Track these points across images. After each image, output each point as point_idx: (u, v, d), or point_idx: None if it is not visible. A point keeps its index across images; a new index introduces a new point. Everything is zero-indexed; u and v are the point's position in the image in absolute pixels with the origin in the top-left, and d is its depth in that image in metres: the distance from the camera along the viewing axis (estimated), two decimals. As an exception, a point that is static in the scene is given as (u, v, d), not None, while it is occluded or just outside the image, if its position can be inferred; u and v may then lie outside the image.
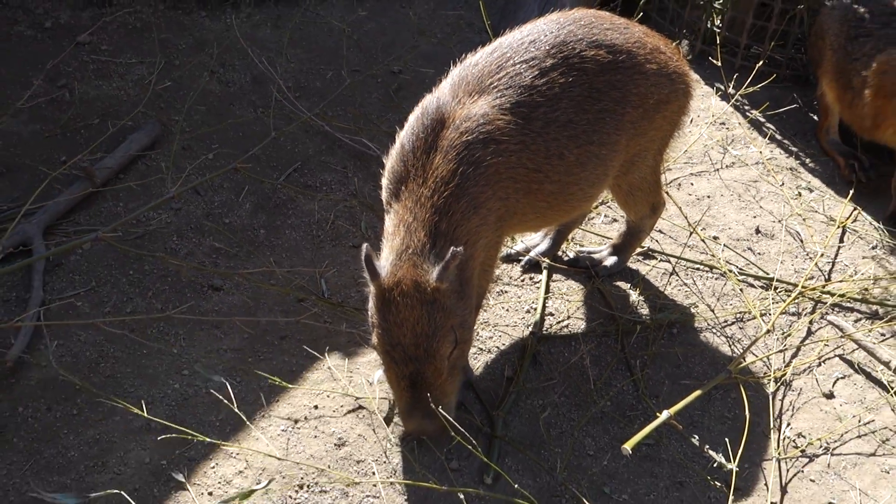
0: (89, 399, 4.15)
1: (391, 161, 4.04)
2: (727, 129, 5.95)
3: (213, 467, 3.96)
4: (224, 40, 6.05)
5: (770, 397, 4.51)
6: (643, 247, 5.12)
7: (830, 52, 5.70)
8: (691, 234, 5.22)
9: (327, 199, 5.17)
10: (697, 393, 4.31)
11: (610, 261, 4.98)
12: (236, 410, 4.02)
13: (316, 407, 4.24)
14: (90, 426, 4.07)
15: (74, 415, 4.10)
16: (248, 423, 4.06)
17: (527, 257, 4.98)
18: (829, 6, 5.84)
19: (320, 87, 5.84)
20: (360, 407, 4.26)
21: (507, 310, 4.78)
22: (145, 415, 3.96)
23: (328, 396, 4.27)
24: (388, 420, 4.19)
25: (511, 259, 5.03)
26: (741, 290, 4.95)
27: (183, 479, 3.86)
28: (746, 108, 6.07)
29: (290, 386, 4.24)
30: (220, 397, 4.11)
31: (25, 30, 5.88)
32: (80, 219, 4.90)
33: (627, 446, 3.86)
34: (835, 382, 4.62)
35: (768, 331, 4.70)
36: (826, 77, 5.77)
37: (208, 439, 3.93)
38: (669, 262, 5.08)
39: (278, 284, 4.68)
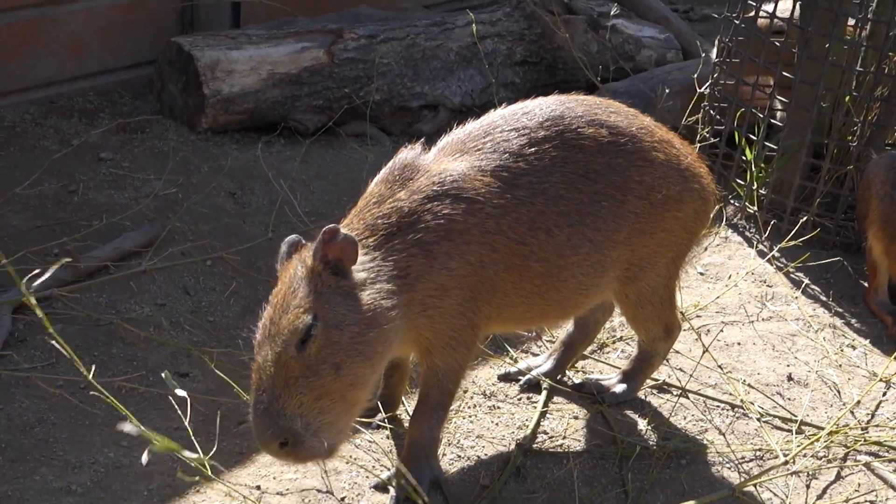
0: (13, 458, 3.78)
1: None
2: (768, 286, 5.53)
3: (129, 534, 3.52)
4: (248, 168, 5.94)
5: (785, 534, 3.92)
6: (657, 379, 4.65)
7: (876, 200, 5.35)
8: (694, 366, 4.74)
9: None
10: (692, 503, 3.76)
11: (619, 388, 4.51)
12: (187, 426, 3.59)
13: (258, 488, 3.80)
14: (4, 483, 3.68)
15: (-9, 471, 3.73)
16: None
17: (527, 376, 4.55)
18: (875, 157, 5.53)
19: (338, 215, 5.62)
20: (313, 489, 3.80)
21: (497, 424, 4.32)
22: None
23: (274, 479, 3.83)
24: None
25: (510, 378, 4.60)
26: (761, 424, 4.42)
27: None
28: (791, 270, 5.66)
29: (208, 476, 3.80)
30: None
31: (51, 145, 5.85)
32: (56, 303, 4.65)
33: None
34: (864, 528, 4.02)
35: (785, 462, 4.13)
36: (873, 228, 5.39)
37: None
38: (685, 397, 4.58)
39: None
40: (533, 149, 3.84)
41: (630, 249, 4.03)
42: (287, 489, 3.81)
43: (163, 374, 3.64)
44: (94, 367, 3.55)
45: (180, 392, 3.29)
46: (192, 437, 3.66)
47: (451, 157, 3.81)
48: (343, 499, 3.83)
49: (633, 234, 4.00)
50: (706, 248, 5.74)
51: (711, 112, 6.19)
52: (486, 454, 4.15)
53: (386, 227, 3.62)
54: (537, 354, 4.75)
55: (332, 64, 6.41)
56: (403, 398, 4.28)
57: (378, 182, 3.81)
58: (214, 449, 3.72)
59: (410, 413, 3.99)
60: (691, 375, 4.67)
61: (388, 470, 3.95)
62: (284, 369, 3.35)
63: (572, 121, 3.94)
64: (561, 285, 3.92)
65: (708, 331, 5.10)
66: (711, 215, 4.37)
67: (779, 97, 5.99)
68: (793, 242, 5.42)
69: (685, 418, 4.50)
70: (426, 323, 3.70)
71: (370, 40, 6.56)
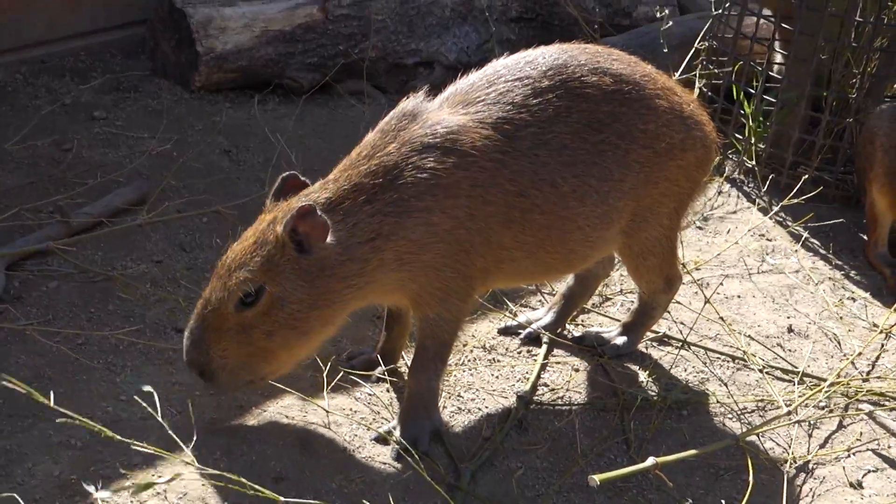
0: (10, 413, 3.75)
1: None
2: (767, 240, 5.50)
3: (129, 486, 3.48)
4: (242, 126, 5.88)
5: (787, 482, 3.90)
6: (657, 332, 4.62)
7: (882, 153, 5.29)
8: (695, 318, 4.72)
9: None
10: (694, 452, 3.76)
11: (619, 340, 4.48)
12: (159, 419, 3.53)
13: (260, 440, 3.76)
14: (3, 437, 3.65)
15: (-10, 426, 3.69)
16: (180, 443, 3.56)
17: (527, 330, 4.52)
18: (877, 109, 5.48)
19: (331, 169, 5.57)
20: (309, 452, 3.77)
21: (497, 377, 4.30)
22: (50, 404, 3.46)
23: (274, 432, 3.80)
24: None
25: (510, 332, 4.56)
26: (763, 376, 4.40)
27: (92, 490, 3.37)
28: (790, 223, 5.62)
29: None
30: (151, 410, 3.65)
31: (44, 104, 5.78)
32: (51, 261, 4.60)
33: (597, 477, 3.30)
34: (865, 474, 4.01)
35: (789, 412, 4.12)
36: (877, 183, 5.33)
37: (132, 443, 3.45)
38: (686, 349, 4.56)
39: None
40: (536, 99, 3.79)
41: (635, 200, 3.99)
42: (287, 440, 3.78)
43: (118, 380, 3.81)
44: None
45: (146, 388, 3.34)
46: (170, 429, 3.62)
47: (451, 108, 3.77)
48: (345, 450, 3.80)
49: (638, 183, 3.96)
50: (706, 203, 5.69)
51: (710, 66, 6.13)
52: (486, 407, 4.13)
53: (371, 187, 3.61)
54: (536, 308, 4.71)
55: (326, 21, 6.34)
56: (403, 352, 4.25)
57: (375, 131, 3.79)
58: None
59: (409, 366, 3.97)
60: (691, 328, 4.64)
61: (389, 422, 3.92)
62: (220, 317, 3.55)
63: (576, 69, 3.89)
64: (566, 238, 3.88)
65: (707, 284, 5.06)
66: (713, 163, 4.32)
67: (777, 49, 5.94)
68: (795, 200, 5.37)
69: (686, 370, 4.48)
70: (406, 276, 3.69)
71: (364, -4, 6.49)
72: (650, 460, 3.58)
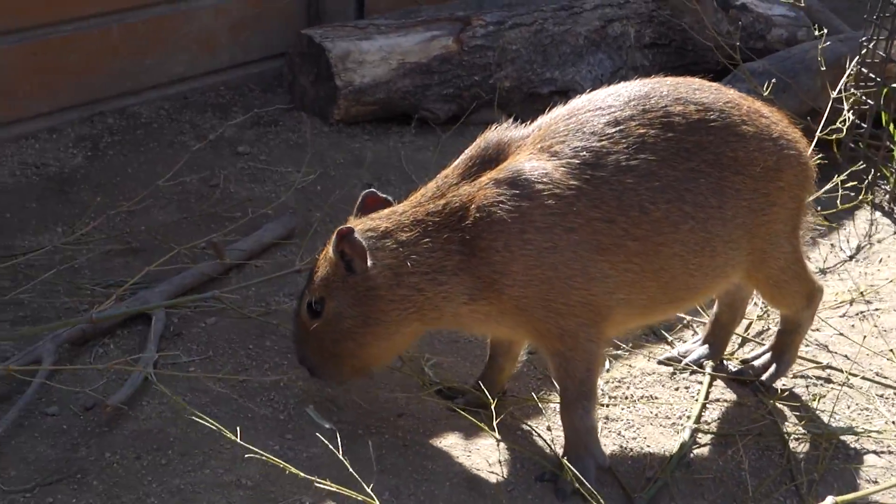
0: (182, 451, 3.80)
1: None
2: (929, 269, 5.35)
3: (305, 527, 3.50)
4: (382, 158, 5.92)
5: (966, 525, 3.77)
6: (819, 362, 4.51)
7: None
8: (856, 351, 4.59)
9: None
10: (876, 488, 3.65)
11: (773, 368, 4.39)
12: (342, 459, 3.54)
13: (426, 480, 3.75)
14: (177, 476, 3.69)
15: (163, 465, 3.74)
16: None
17: (687, 359, 4.46)
18: None
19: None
20: (476, 492, 3.75)
21: (657, 415, 4.23)
22: (237, 440, 3.50)
23: (440, 472, 3.79)
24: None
25: (670, 362, 4.50)
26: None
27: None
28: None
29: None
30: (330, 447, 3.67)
31: (189, 140, 5.89)
32: (207, 299, 4.65)
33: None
34: None
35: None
36: None
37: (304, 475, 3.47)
38: (849, 383, 4.44)
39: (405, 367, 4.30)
40: (618, 128, 3.76)
41: (747, 232, 3.91)
42: (454, 481, 3.77)
43: (308, 410, 3.80)
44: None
45: (327, 425, 3.61)
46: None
47: (532, 146, 3.80)
48: (511, 490, 3.78)
49: (741, 212, 3.87)
50: (857, 233, 5.56)
51: (856, 92, 5.99)
52: (648, 445, 4.06)
53: (435, 225, 3.75)
54: (685, 340, 4.65)
55: (461, 52, 6.35)
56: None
57: (457, 164, 3.91)
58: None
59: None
60: (854, 361, 4.53)
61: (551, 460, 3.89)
62: (301, 321, 3.92)
63: (659, 99, 3.84)
64: (666, 264, 3.80)
65: (864, 317, 4.94)
66: (813, 180, 4.19)
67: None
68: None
69: (849, 407, 4.36)
70: (491, 311, 3.78)
71: (498, 27, 6.49)
72: (829, 500, 3.49)
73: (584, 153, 3.72)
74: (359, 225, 3.82)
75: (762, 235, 3.97)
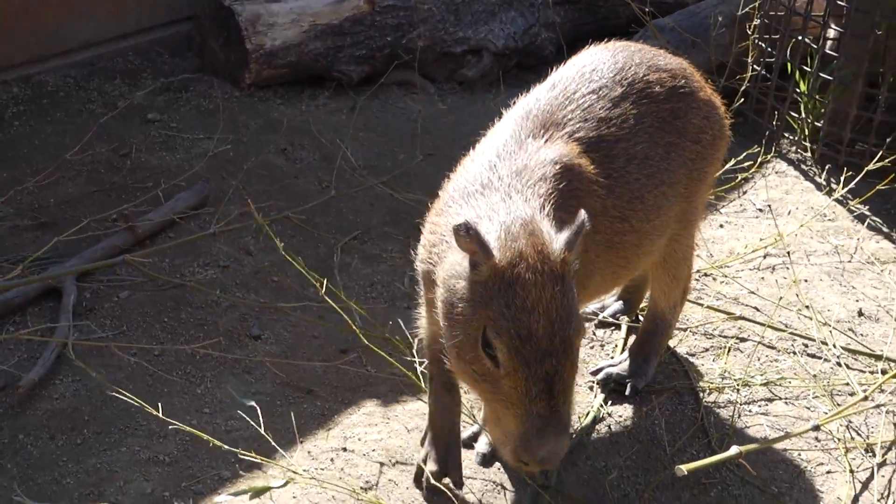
0: (97, 430, 3.77)
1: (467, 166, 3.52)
2: (829, 220, 5.45)
3: (223, 500, 3.50)
4: (296, 123, 5.87)
5: (876, 473, 3.88)
6: (732, 313, 4.58)
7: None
8: (764, 305, 4.69)
9: (387, 265, 4.81)
10: (777, 437, 3.75)
11: (640, 374, 4.16)
12: (264, 434, 3.54)
13: (345, 450, 3.77)
14: (92, 455, 3.67)
15: (78, 444, 3.71)
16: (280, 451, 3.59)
17: (601, 315, 4.50)
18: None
19: (390, 166, 5.57)
20: (397, 462, 3.77)
21: (572, 373, 4.27)
22: (159, 415, 3.48)
23: (359, 440, 3.81)
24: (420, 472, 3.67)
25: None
26: (840, 363, 4.37)
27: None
28: (851, 203, 5.55)
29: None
30: (250, 422, 3.67)
31: (97, 108, 5.79)
32: (119, 269, 4.61)
33: (683, 467, 3.29)
34: (951, 461, 3.98)
35: (865, 397, 4.08)
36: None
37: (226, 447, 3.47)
38: (757, 334, 4.53)
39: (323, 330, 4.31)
40: (617, 111, 3.55)
41: (686, 202, 3.78)
42: (372, 450, 3.79)
43: (229, 387, 3.72)
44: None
45: (249, 403, 3.38)
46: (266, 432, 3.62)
47: (541, 135, 3.45)
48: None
49: (689, 183, 3.75)
50: (765, 184, 5.65)
51: (762, 44, 6.06)
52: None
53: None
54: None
55: (373, 12, 6.31)
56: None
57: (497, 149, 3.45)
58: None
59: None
60: (769, 321, 4.62)
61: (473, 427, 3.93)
62: (573, 374, 3.06)
63: (636, 69, 3.68)
64: (641, 251, 3.66)
65: (773, 268, 5.04)
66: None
67: (832, 26, 5.87)
68: (857, 178, 5.31)
69: (759, 360, 4.45)
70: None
71: (410, -14, 6.45)
72: (734, 449, 3.55)
73: (602, 144, 3.48)
74: None
75: (695, 205, 3.86)
